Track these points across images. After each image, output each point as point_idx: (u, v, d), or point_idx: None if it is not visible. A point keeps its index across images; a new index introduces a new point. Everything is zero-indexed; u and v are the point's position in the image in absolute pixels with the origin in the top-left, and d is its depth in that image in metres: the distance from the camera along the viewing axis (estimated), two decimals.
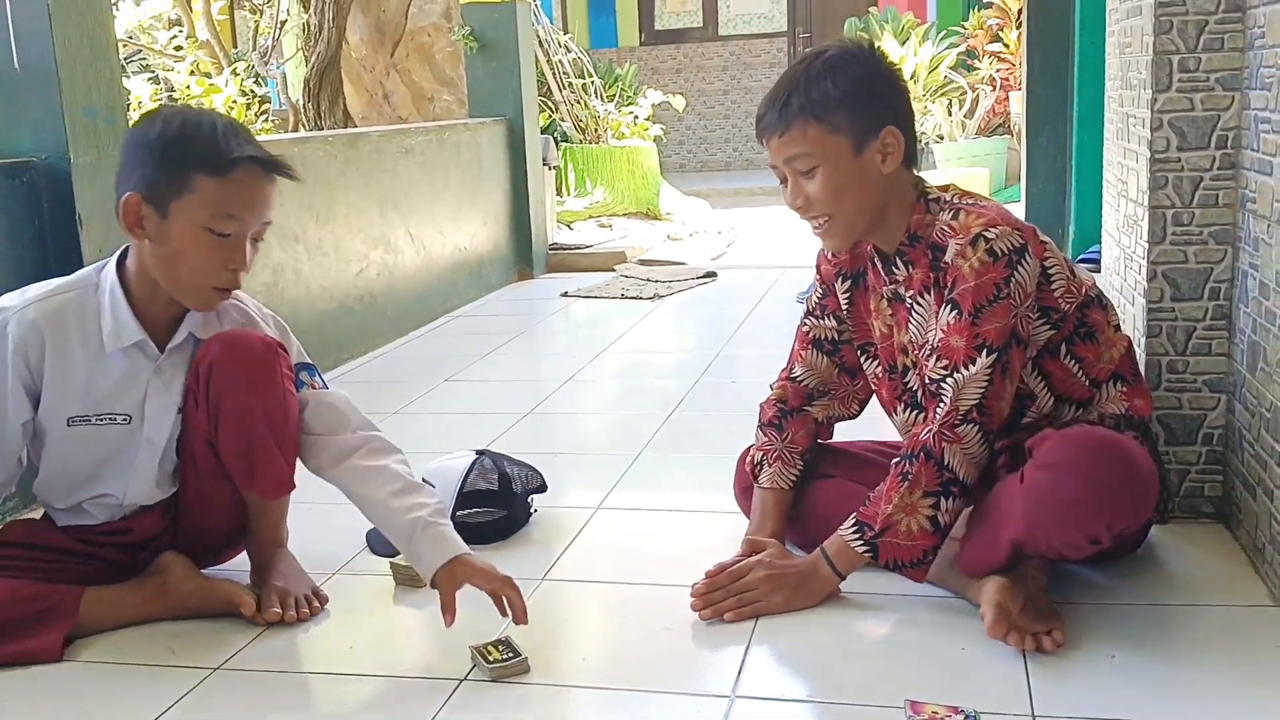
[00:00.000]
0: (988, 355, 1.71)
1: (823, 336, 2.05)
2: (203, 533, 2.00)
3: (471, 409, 3.30)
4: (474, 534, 2.20)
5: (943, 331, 1.76)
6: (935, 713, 1.45)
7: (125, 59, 5.68)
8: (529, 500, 2.34)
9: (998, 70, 8.27)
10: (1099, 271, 2.81)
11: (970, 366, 1.72)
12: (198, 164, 1.73)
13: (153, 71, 5.32)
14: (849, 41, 1.88)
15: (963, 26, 8.89)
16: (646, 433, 2.92)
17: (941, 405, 1.74)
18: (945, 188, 1.88)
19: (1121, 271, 2.36)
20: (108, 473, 1.90)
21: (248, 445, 1.87)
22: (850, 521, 1.80)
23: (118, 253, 1.88)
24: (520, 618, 1.78)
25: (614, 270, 5.56)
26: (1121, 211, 2.36)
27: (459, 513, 2.22)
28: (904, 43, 8.66)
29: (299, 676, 1.76)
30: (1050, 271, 1.78)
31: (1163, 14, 1.98)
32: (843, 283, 2.01)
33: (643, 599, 1.98)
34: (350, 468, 1.92)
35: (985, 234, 1.73)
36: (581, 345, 4.14)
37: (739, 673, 1.69)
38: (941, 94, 8.48)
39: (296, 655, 1.83)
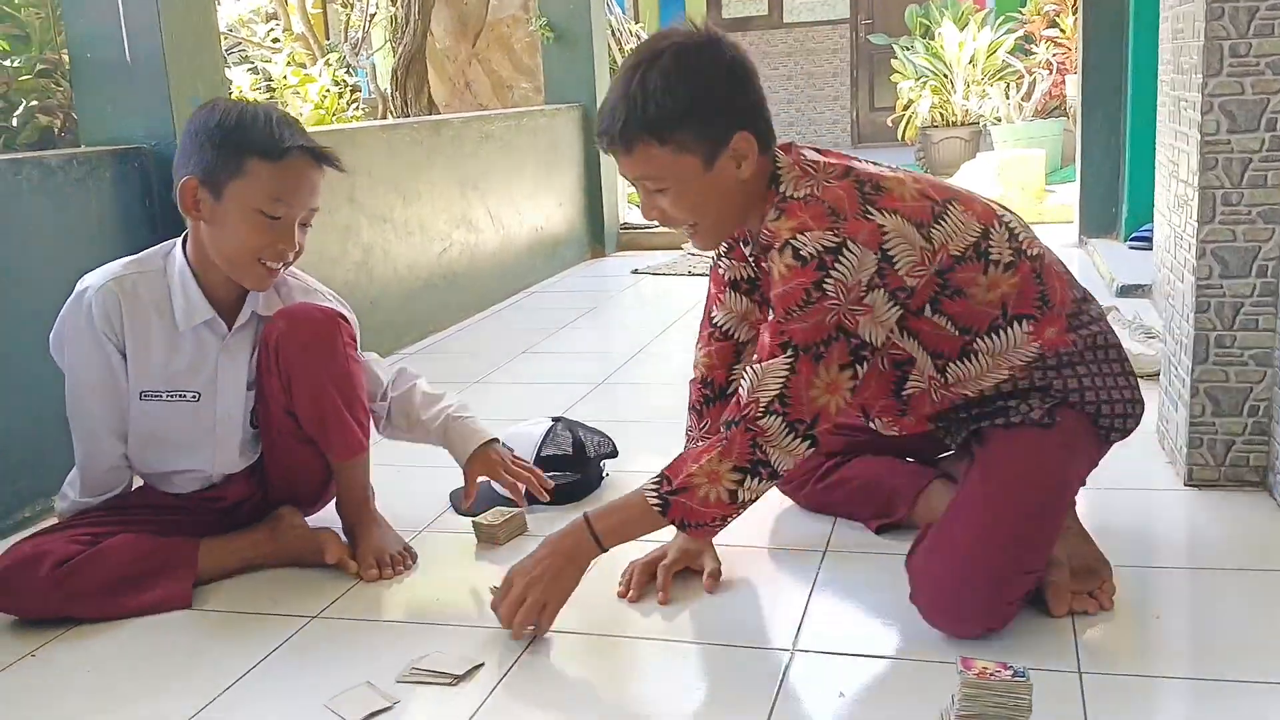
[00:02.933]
0: (789, 352, 1.57)
1: (739, 276, 1.88)
2: (290, 493, 2.05)
3: (547, 379, 3.34)
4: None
5: (763, 328, 1.63)
6: (986, 668, 1.45)
7: (226, 50, 5.78)
8: (601, 465, 2.36)
9: (1054, 54, 8.08)
10: (1149, 249, 2.75)
11: (770, 360, 1.58)
12: (252, 150, 1.78)
13: (252, 63, 5.41)
14: (686, 33, 1.63)
15: (1020, 12, 8.69)
16: None
17: (741, 391, 1.61)
18: (796, 157, 1.67)
19: (1172, 249, 2.32)
20: (188, 448, 1.95)
21: (320, 411, 1.92)
22: (656, 475, 1.68)
23: (181, 237, 1.92)
24: (545, 493, 2.05)
25: (681, 249, 5.56)
26: (1172, 191, 2.31)
27: None
28: (963, 28, 8.49)
29: (388, 625, 1.81)
30: (891, 254, 1.58)
31: (1214, 1, 1.93)
32: (744, 245, 1.83)
33: None
34: (388, 407, 2.10)
35: (793, 241, 1.56)
36: (650, 319, 4.16)
37: (799, 627, 1.71)
38: (999, 78, 8.32)
39: (386, 606, 1.88)
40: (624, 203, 5.98)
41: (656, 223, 1.75)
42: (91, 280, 1.87)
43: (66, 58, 2.90)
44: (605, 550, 1.70)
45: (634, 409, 3.02)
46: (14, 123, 3.04)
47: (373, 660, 1.68)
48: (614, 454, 2.38)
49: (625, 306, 4.54)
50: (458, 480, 2.34)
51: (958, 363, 1.68)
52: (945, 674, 1.49)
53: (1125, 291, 3.81)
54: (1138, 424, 1.75)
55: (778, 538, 2.04)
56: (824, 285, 1.55)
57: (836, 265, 1.55)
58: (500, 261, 4.57)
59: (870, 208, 1.60)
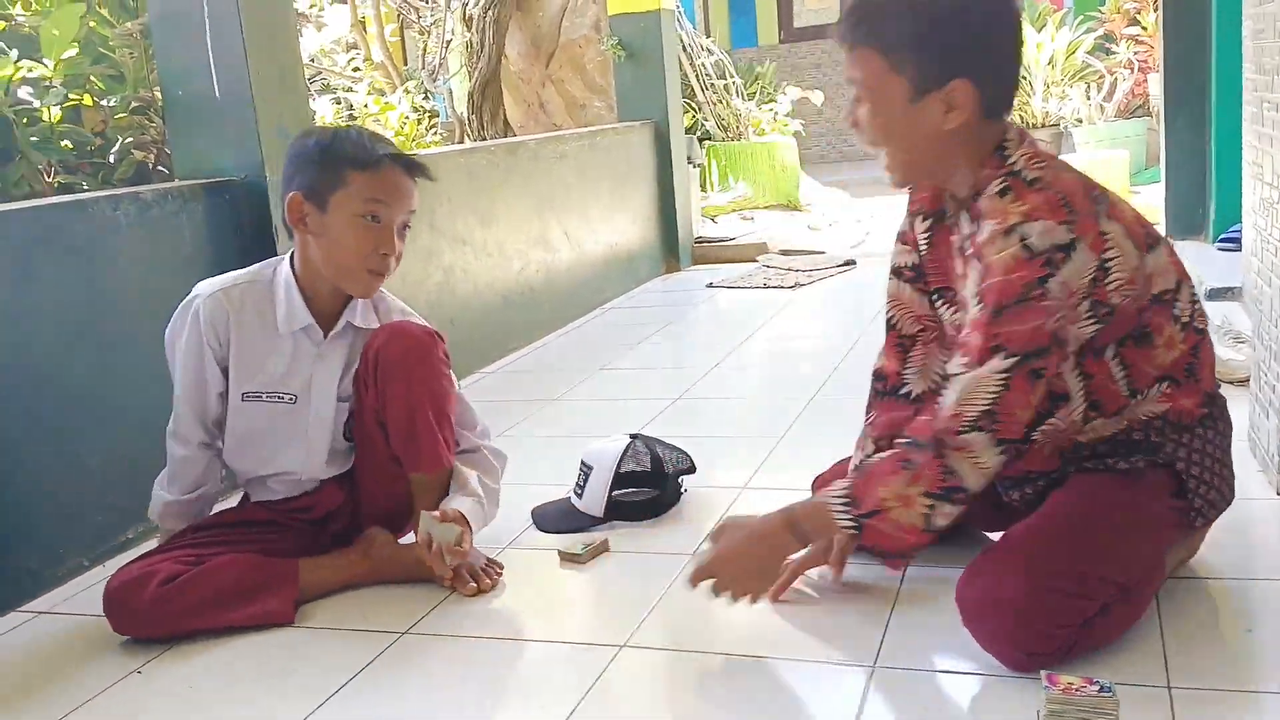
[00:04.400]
0: (1003, 359, 1.47)
1: (904, 263, 1.85)
2: (380, 508, 2.11)
3: (625, 395, 3.37)
4: (628, 512, 2.28)
5: (969, 323, 1.53)
6: (1071, 684, 1.43)
7: (308, 80, 5.95)
8: (679, 480, 2.38)
9: (1135, 53, 7.91)
10: (1239, 250, 2.69)
11: (981, 368, 1.48)
12: (349, 162, 1.91)
13: (334, 92, 5.56)
14: None
15: (1100, 11, 8.52)
16: (790, 416, 2.93)
17: (944, 403, 1.53)
18: (1028, 137, 1.61)
19: (1259, 253, 2.26)
20: (282, 449, 2.04)
21: (410, 423, 1.98)
22: (840, 490, 1.60)
23: (288, 253, 2.05)
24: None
25: (756, 260, 5.56)
26: (1258, 194, 2.26)
27: (614, 492, 2.28)
28: (1041, 28, 8.36)
29: (474, 641, 1.85)
30: (1109, 264, 1.51)
31: None
32: (923, 221, 1.79)
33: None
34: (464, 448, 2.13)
35: (1023, 228, 1.47)
36: (726, 333, 4.17)
37: (880, 643, 1.70)
38: (1079, 78, 8.16)
39: (472, 621, 1.92)
40: (698, 216, 6.00)
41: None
42: (202, 289, 2.01)
43: (159, 95, 3.02)
44: (802, 549, 1.72)
45: (711, 424, 3.03)
46: (111, 159, 3.17)
47: (462, 675, 1.72)
48: (692, 470, 2.40)
49: (701, 320, 4.56)
50: (540, 496, 2.39)
51: (1104, 418, 1.64)
52: (1030, 690, 1.48)
53: (1214, 295, 3.71)
54: (1218, 515, 1.71)
55: (858, 551, 2.03)
56: (1047, 284, 1.45)
57: (1064, 265, 1.46)
58: (576, 278, 4.62)
59: (1099, 210, 1.53)
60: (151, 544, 2.12)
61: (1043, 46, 8.20)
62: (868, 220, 6.72)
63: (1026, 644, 1.53)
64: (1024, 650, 1.53)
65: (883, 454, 1.60)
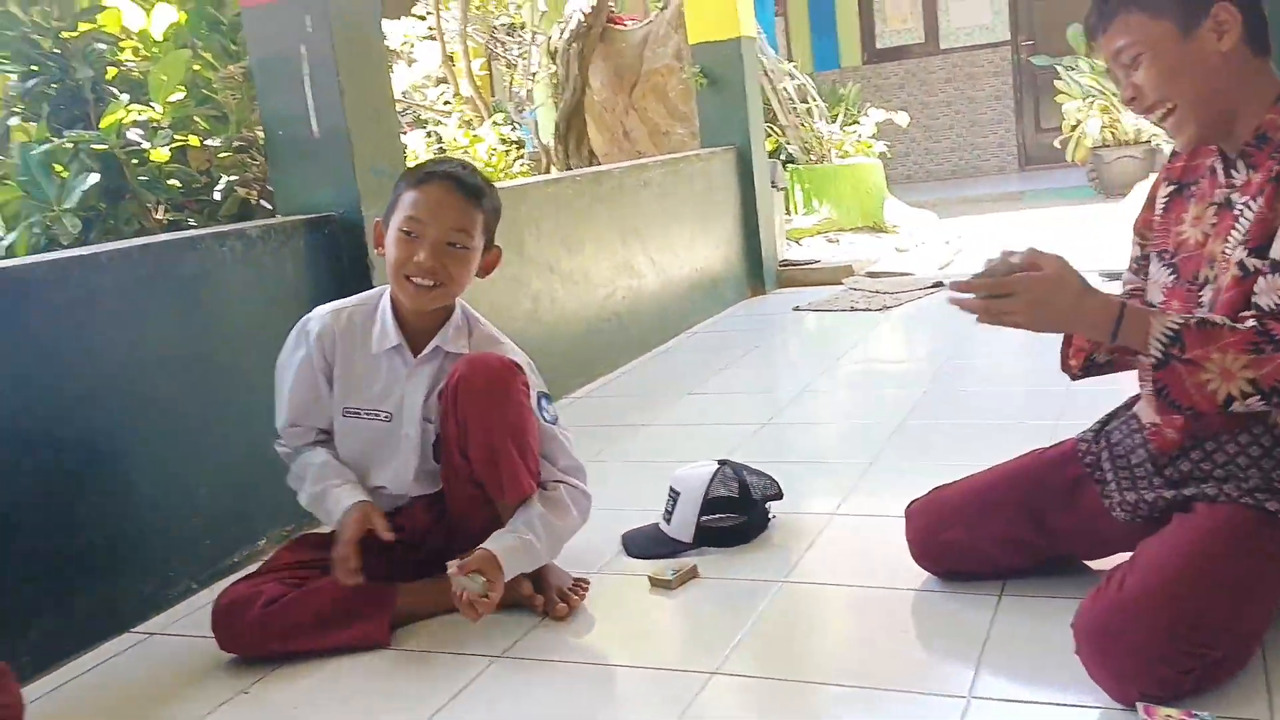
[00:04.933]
0: None
1: (1135, 254, 1.85)
2: (471, 531, 2.13)
3: (712, 420, 3.38)
4: (716, 538, 2.29)
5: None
6: (1169, 716, 1.41)
7: (400, 114, 6.11)
8: (767, 507, 2.39)
9: None
10: None
11: None
12: (404, 183, 2.05)
13: (425, 125, 5.70)
14: None
15: None
16: (879, 441, 2.92)
17: None
18: None
19: None
20: (377, 464, 2.12)
21: (491, 453, 2.01)
22: (1173, 325, 1.53)
23: None
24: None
25: (842, 283, 5.53)
26: None
27: (702, 518, 2.29)
28: None
29: (566, 665, 1.88)
30: None
31: None
32: (1166, 188, 1.80)
33: (879, 600, 1.99)
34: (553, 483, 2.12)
35: None
36: (813, 357, 4.16)
37: (975, 673, 1.69)
38: None
39: (564, 646, 1.95)
40: (782, 239, 6.00)
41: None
42: (316, 312, 2.14)
43: (261, 135, 3.13)
44: (1109, 342, 1.60)
45: (799, 449, 3.03)
46: (216, 196, 3.30)
47: (555, 700, 1.75)
48: (779, 496, 2.40)
49: (787, 344, 4.55)
50: (629, 521, 2.42)
51: None
52: None
53: None
54: None
55: (952, 577, 2.02)
56: None
57: None
58: (662, 303, 4.66)
59: None
60: (256, 566, 2.19)
61: None
62: (956, 241, 6.64)
63: (1145, 685, 1.51)
64: (1140, 690, 1.51)
65: (1235, 325, 1.53)
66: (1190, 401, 1.53)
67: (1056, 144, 9.08)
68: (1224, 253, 1.62)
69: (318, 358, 2.10)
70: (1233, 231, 1.60)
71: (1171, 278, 1.73)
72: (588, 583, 2.12)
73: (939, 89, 11.88)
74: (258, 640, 1.96)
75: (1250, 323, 1.52)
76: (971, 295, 1.58)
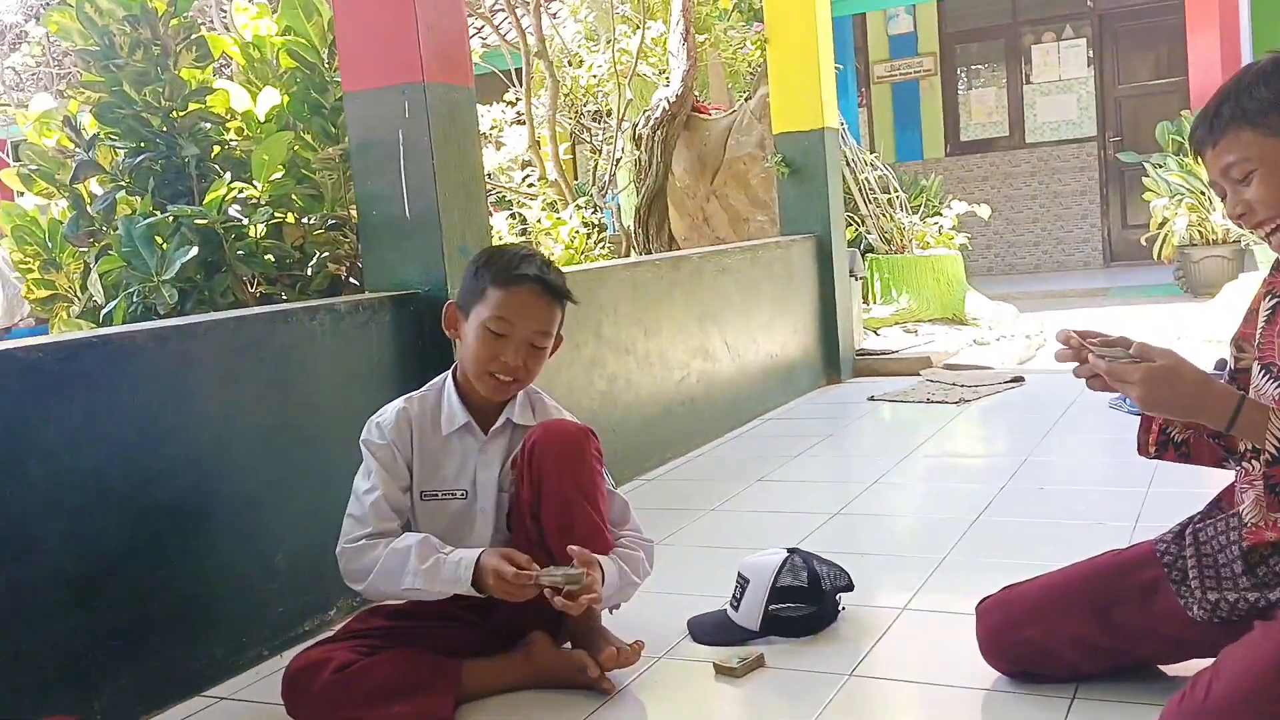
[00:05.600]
0: None
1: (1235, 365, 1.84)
2: (536, 601, 2.15)
3: (782, 507, 3.38)
4: (784, 627, 2.28)
5: None
6: None
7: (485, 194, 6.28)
8: (837, 598, 2.37)
9: None
10: None
11: None
12: (491, 278, 2.09)
13: (509, 206, 5.86)
14: None
15: None
16: (953, 536, 2.88)
17: None
18: None
19: None
20: (455, 542, 2.12)
21: (567, 516, 2.06)
22: None
23: (456, 362, 2.22)
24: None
25: (919, 375, 5.50)
26: None
27: (771, 607, 2.29)
28: None
29: None
30: None
31: None
32: (1268, 301, 1.79)
33: (948, 699, 1.96)
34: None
35: None
36: (888, 448, 4.13)
37: None
38: None
39: None
40: (859, 329, 6.01)
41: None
42: (385, 409, 2.20)
43: (354, 214, 3.26)
44: (1226, 431, 1.62)
45: (870, 541, 3.01)
46: (308, 272, 3.43)
47: None
48: (850, 588, 2.39)
49: (862, 434, 4.53)
50: (696, 606, 2.42)
51: None
52: None
53: None
54: None
55: (1023, 678, 1.98)
56: None
57: None
58: (736, 389, 4.68)
59: None
60: (326, 634, 2.23)
61: None
62: (1037, 335, 6.58)
63: None
64: None
65: None
66: None
67: (1143, 241, 8.99)
68: None
69: (399, 447, 2.15)
70: None
71: (1268, 380, 1.72)
72: (642, 643, 2.14)
73: (1023, 183, 11.87)
74: (325, 708, 1.99)
75: None
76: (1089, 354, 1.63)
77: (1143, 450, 1.90)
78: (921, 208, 7.84)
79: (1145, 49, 11.26)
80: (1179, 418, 1.73)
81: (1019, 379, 5.18)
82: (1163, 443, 1.88)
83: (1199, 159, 1.71)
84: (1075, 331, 1.70)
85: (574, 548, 1.98)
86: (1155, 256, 8.62)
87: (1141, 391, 1.60)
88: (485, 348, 2.08)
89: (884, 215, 7.19)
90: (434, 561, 2.01)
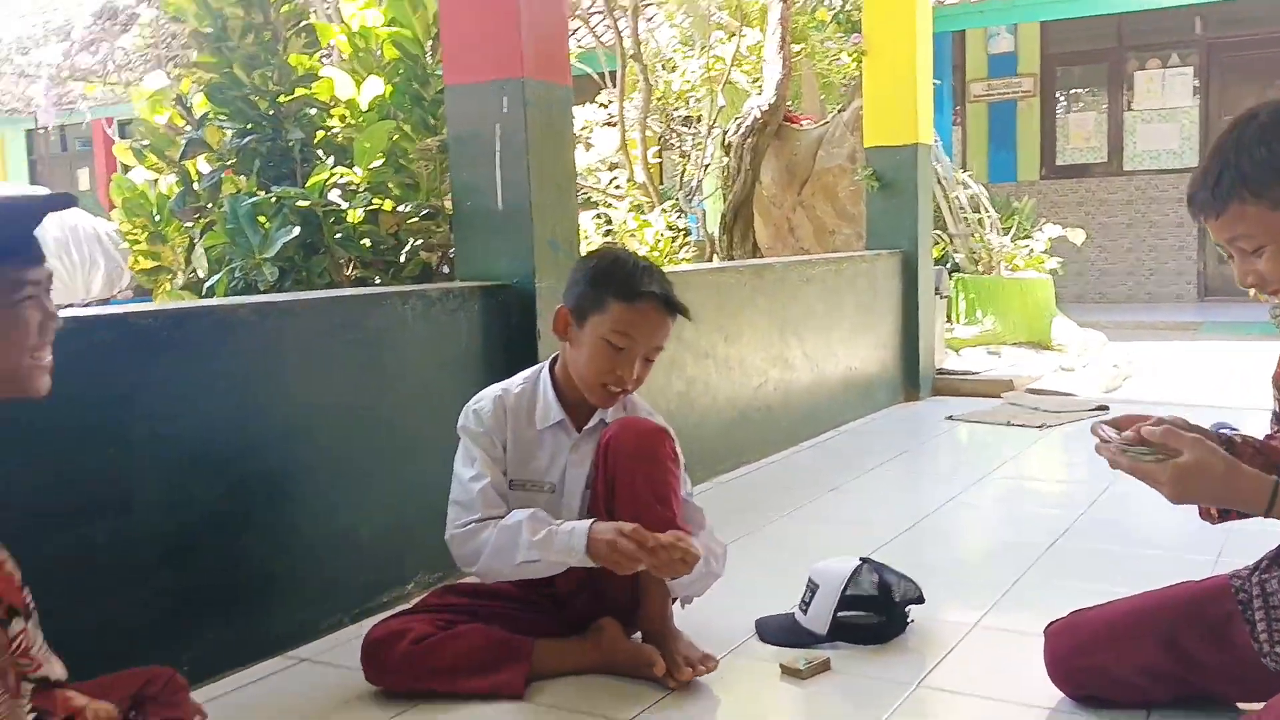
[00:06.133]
0: None
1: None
2: (612, 596, 2.20)
3: (855, 518, 3.38)
4: (852, 634, 2.29)
5: None
6: None
7: None
8: (906, 610, 2.38)
9: None
10: None
11: None
12: (614, 291, 2.10)
13: (596, 207, 5.94)
14: None
15: None
16: (1028, 558, 2.87)
17: None
18: None
19: None
20: None
21: (636, 509, 2.08)
22: None
23: (552, 356, 2.27)
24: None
25: (1001, 397, 5.45)
26: None
27: (840, 613, 2.30)
28: None
29: None
30: None
31: None
32: None
33: (1014, 717, 1.96)
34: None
35: None
36: (964, 467, 4.11)
37: None
38: None
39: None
40: (941, 347, 5.96)
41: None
42: (483, 394, 2.25)
43: (448, 204, 3.35)
44: (1265, 516, 1.57)
45: (943, 558, 3.00)
46: (402, 258, 3.53)
47: None
48: (920, 600, 2.39)
49: (938, 452, 4.51)
50: (764, 608, 2.45)
51: None
52: None
53: None
54: None
55: (1090, 703, 1.97)
56: None
57: None
58: (813, 399, 4.69)
59: None
60: (403, 607, 2.31)
61: None
62: (1125, 365, 6.46)
63: None
64: None
65: None
66: None
67: None
68: None
69: (496, 435, 2.19)
70: None
71: None
72: (716, 661, 2.16)
73: (1119, 210, 11.64)
74: (402, 677, 2.07)
75: None
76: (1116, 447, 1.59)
77: (1205, 517, 1.84)
78: (1013, 230, 7.75)
79: (1252, 80, 10.97)
80: (1213, 506, 1.68)
81: (1104, 407, 5.10)
82: (1225, 512, 1.82)
83: (1199, 222, 1.63)
84: (1106, 422, 1.67)
85: (671, 533, 2.01)
86: (1251, 295, 8.38)
87: (1170, 490, 1.56)
88: (604, 360, 2.11)
89: (973, 235, 7.12)
90: (546, 533, 2.04)
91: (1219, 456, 1.56)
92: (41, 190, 8.20)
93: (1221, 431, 1.82)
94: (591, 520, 2.05)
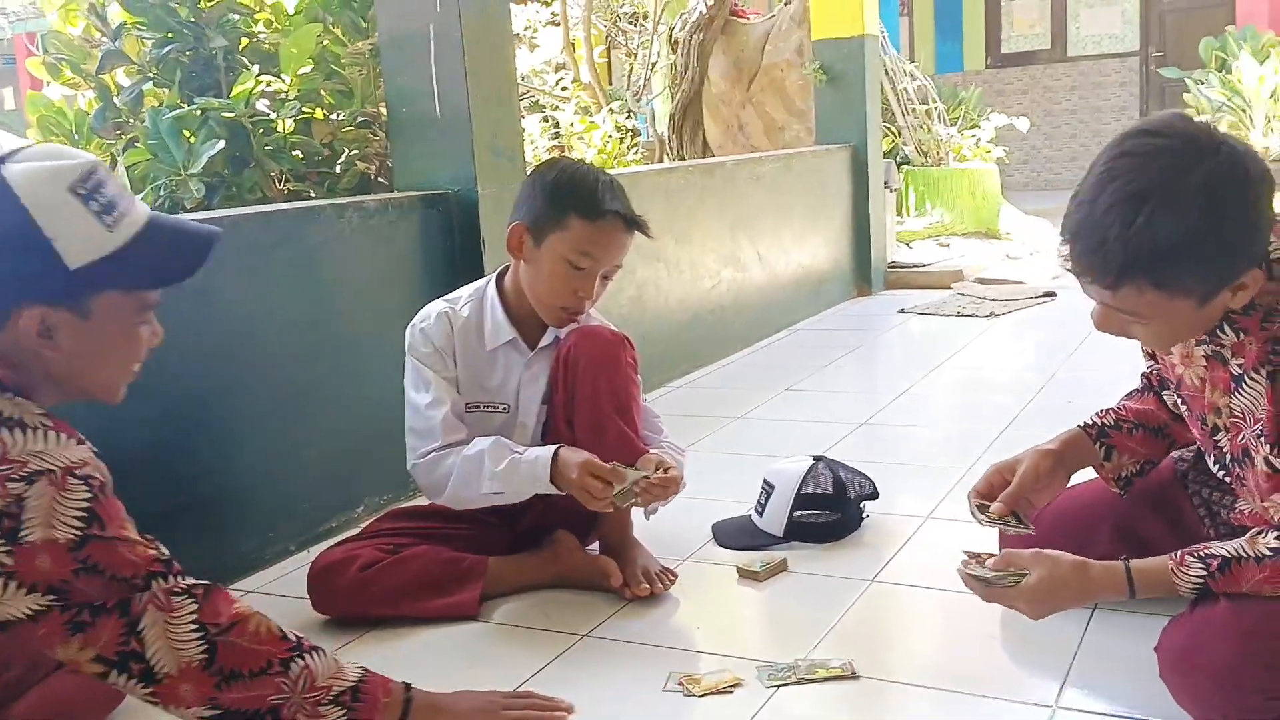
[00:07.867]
0: None
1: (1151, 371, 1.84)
2: (567, 508, 2.11)
3: (809, 417, 3.35)
4: (808, 533, 2.27)
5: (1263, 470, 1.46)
6: None
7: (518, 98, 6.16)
8: (861, 506, 2.36)
9: None
10: None
11: None
12: (575, 207, 1.98)
13: (542, 110, 5.75)
14: (1213, 163, 1.35)
15: None
16: (979, 448, 2.85)
17: None
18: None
19: None
20: None
21: (596, 419, 2.03)
22: (1197, 578, 1.48)
23: (498, 270, 2.15)
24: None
25: (951, 288, 5.42)
26: None
27: (795, 513, 2.27)
28: (1263, 61, 7.85)
29: (650, 649, 1.88)
30: None
31: None
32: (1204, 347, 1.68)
33: (969, 605, 1.92)
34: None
35: None
36: (917, 360, 4.08)
37: (1063, 683, 1.65)
38: None
39: (650, 631, 1.95)
40: (892, 241, 5.91)
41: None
42: (427, 312, 2.12)
43: (384, 111, 3.20)
44: (1130, 598, 1.56)
45: (896, 451, 2.98)
46: (337, 169, 3.37)
47: (636, 679, 1.75)
48: (874, 496, 2.37)
49: (891, 346, 4.48)
50: (721, 512, 2.41)
51: None
52: None
53: None
54: None
55: None
56: None
57: None
58: (766, 298, 4.62)
59: None
60: (352, 531, 2.24)
61: (1264, 80, 7.72)
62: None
63: (1226, 710, 1.44)
64: (1221, 715, 1.45)
65: (1260, 555, 1.45)
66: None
67: None
68: (1233, 411, 1.52)
69: (446, 350, 2.09)
70: (1237, 395, 1.50)
71: (1185, 411, 1.69)
72: (674, 575, 2.11)
73: (1063, 97, 11.56)
74: (351, 604, 2.00)
75: (1273, 541, 1.43)
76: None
77: (1112, 487, 1.85)
78: (960, 120, 7.65)
79: None
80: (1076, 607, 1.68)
81: (1051, 294, 5.10)
82: (1125, 481, 1.85)
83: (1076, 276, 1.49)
84: (966, 551, 1.68)
85: (650, 454, 1.98)
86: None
87: (1029, 610, 1.59)
88: (563, 281, 2.00)
89: (921, 127, 7.01)
90: (509, 462, 1.98)
91: (1067, 562, 1.57)
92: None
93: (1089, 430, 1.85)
94: (556, 447, 1.98)
